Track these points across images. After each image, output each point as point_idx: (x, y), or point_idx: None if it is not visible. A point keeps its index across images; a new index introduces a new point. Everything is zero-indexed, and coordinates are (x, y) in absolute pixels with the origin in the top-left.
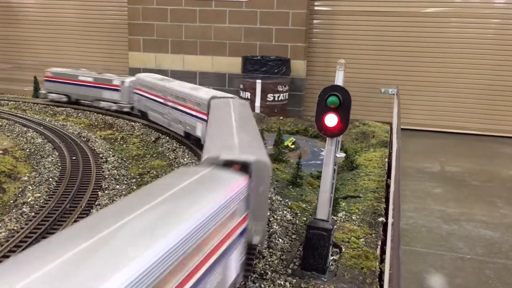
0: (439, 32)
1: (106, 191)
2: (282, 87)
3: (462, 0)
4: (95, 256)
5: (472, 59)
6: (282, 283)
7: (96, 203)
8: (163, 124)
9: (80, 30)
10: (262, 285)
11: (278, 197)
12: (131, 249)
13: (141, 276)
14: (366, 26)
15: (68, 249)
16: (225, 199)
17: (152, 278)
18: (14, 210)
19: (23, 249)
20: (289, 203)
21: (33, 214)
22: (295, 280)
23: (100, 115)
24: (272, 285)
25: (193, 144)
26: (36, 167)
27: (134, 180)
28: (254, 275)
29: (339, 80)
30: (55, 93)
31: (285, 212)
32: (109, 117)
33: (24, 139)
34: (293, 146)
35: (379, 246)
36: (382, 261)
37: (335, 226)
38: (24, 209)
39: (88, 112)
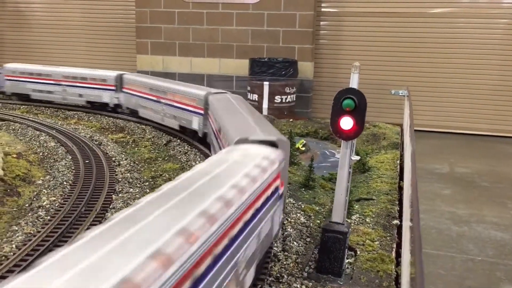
0: (447, 32)
1: (120, 195)
2: (289, 89)
3: (469, 0)
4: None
5: (480, 60)
6: (298, 286)
7: (111, 206)
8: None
9: (89, 33)
10: None
11: (291, 200)
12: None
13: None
14: (373, 28)
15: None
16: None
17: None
18: (30, 214)
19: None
20: (302, 206)
21: (48, 217)
22: (311, 284)
23: (111, 118)
24: None
25: (199, 143)
26: (50, 171)
27: (147, 183)
28: (270, 278)
29: (354, 83)
30: None
31: (298, 215)
32: (120, 120)
33: (37, 143)
34: (303, 149)
35: (394, 249)
36: (398, 264)
37: (350, 229)
38: (40, 213)
39: (100, 116)
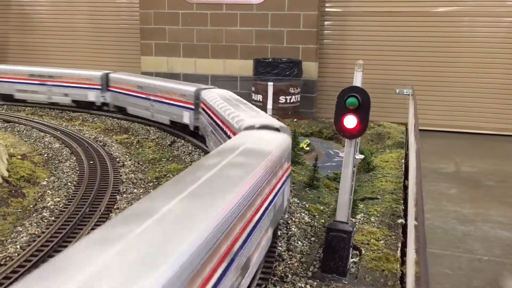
0: (452, 31)
1: (124, 195)
2: (294, 89)
3: None
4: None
5: (485, 58)
6: (303, 286)
7: (115, 207)
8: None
9: (93, 35)
10: None
11: (296, 199)
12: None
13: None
14: (378, 27)
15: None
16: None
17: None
18: (34, 215)
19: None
20: (307, 206)
21: (53, 218)
22: (316, 283)
23: (116, 119)
24: (293, 287)
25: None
26: (54, 172)
27: (152, 184)
28: (274, 278)
29: (357, 81)
30: None
31: (303, 214)
32: (125, 121)
33: (42, 144)
34: (308, 148)
35: (399, 248)
36: (403, 263)
37: (355, 228)
38: (44, 214)
39: (104, 117)
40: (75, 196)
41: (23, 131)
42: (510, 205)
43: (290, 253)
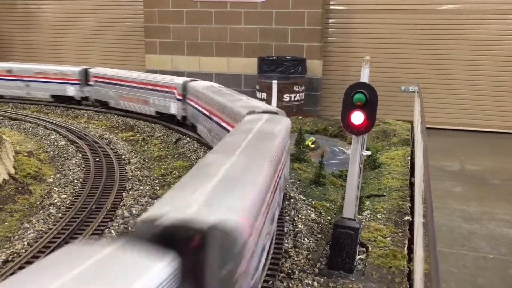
0: (457, 29)
1: (130, 192)
2: (298, 87)
3: None
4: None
5: (492, 56)
6: (310, 282)
7: (121, 203)
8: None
9: (98, 33)
10: (290, 285)
11: (302, 197)
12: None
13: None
14: (383, 24)
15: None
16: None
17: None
18: (41, 211)
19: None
20: (313, 203)
21: (60, 215)
22: (323, 280)
23: (121, 117)
24: (300, 284)
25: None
26: (60, 169)
27: (157, 180)
28: (281, 275)
29: (364, 77)
30: None
31: (309, 211)
32: (130, 119)
33: (48, 142)
34: (313, 146)
35: (406, 245)
36: (410, 260)
37: (361, 225)
38: (51, 210)
39: (109, 115)
40: (82, 193)
41: (29, 129)
42: None
43: (297, 249)
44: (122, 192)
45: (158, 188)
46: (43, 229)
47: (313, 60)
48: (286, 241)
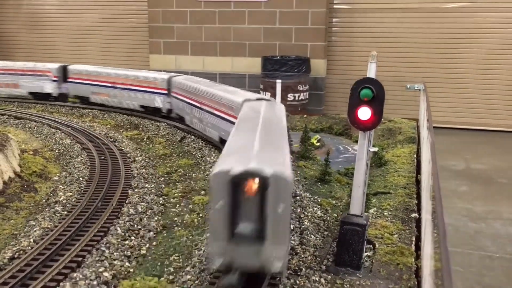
0: (462, 27)
1: (136, 190)
2: (302, 87)
3: None
4: None
5: (497, 55)
6: (317, 279)
7: (127, 201)
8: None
9: (101, 34)
10: (297, 281)
11: (308, 194)
12: None
13: None
14: (386, 23)
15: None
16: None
17: None
18: (47, 209)
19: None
20: (319, 200)
21: (65, 212)
22: (330, 276)
23: (126, 116)
24: (307, 281)
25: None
26: (66, 167)
27: (163, 178)
28: (288, 271)
29: (371, 73)
30: None
31: (315, 208)
32: (135, 117)
33: (53, 140)
34: (318, 144)
35: (413, 242)
36: (417, 257)
37: (368, 222)
38: (57, 208)
39: (114, 114)
40: (87, 190)
41: (34, 128)
42: None
43: (304, 246)
44: (127, 190)
45: (163, 185)
46: (49, 226)
47: (317, 59)
48: (292, 238)
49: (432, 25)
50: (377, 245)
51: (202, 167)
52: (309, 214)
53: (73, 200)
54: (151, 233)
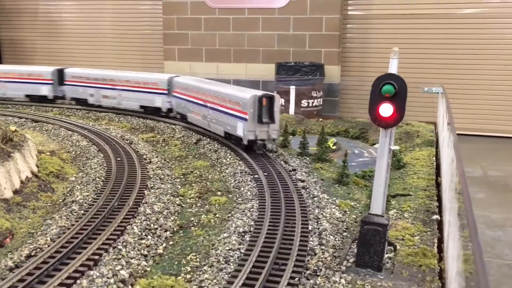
0: (477, 33)
1: (152, 190)
2: (316, 93)
3: (500, 0)
4: None
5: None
6: (337, 280)
7: (143, 201)
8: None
9: (117, 41)
10: (317, 282)
11: (325, 196)
12: None
13: None
14: (401, 30)
15: None
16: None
17: None
18: (64, 208)
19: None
20: (337, 201)
21: (82, 211)
22: (350, 277)
23: (141, 119)
24: (327, 281)
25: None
26: (82, 168)
27: (179, 179)
28: (307, 272)
29: (393, 69)
30: None
31: (333, 210)
32: (150, 120)
33: (70, 142)
34: (334, 147)
35: (435, 244)
36: (441, 259)
37: (390, 221)
38: (74, 207)
39: (130, 117)
40: (104, 190)
41: (51, 130)
42: None
43: (323, 247)
44: (144, 190)
45: (179, 186)
46: (66, 225)
47: (331, 65)
48: (311, 238)
49: (447, 31)
50: (398, 247)
51: (218, 169)
52: (327, 215)
53: (89, 199)
54: (168, 232)
